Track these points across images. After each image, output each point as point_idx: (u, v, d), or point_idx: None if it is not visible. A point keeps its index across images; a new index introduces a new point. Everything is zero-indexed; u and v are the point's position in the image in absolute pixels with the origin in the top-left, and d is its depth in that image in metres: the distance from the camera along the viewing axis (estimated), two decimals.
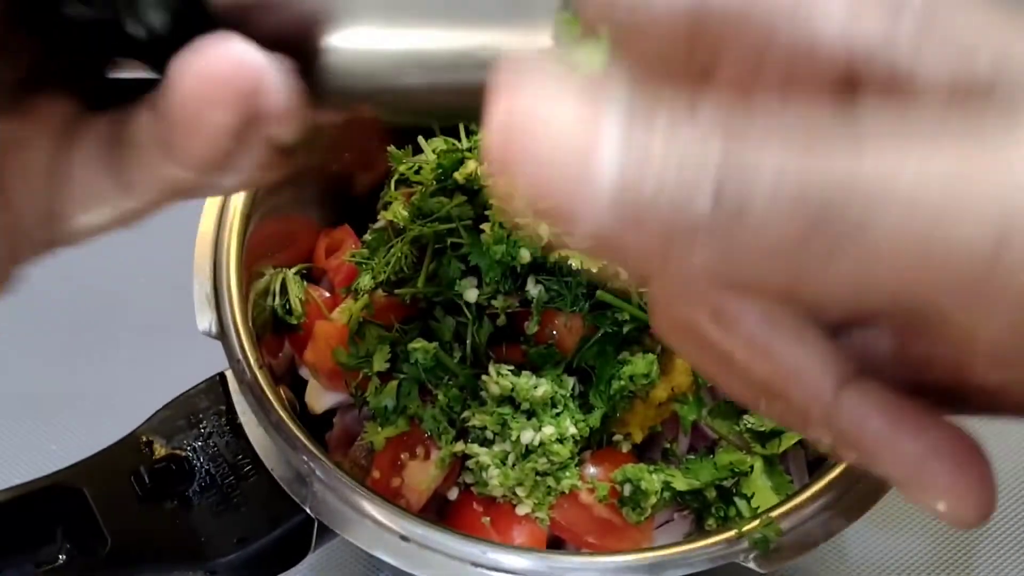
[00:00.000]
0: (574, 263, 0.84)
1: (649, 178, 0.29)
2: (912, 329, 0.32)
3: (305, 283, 0.99)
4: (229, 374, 0.84)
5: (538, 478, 0.83)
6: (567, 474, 0.84)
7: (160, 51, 0.38)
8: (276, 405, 0.80)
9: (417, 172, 0.93)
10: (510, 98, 0.31)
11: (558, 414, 0.84)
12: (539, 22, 0.39)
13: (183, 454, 0.81)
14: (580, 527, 0.85)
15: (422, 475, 0.85)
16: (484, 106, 0.32)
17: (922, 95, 0.30)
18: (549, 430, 0.82)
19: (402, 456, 0.87)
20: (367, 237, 0.96)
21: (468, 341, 0.87)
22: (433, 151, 0.94)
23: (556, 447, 0.83)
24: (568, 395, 0.85)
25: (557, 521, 0.84)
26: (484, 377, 0.85)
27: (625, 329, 0.85)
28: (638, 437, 0.89)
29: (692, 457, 0.89)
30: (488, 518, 0.84)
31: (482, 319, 0.87)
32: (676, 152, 0.29)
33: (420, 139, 0.96)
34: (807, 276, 0.30)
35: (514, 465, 0.83)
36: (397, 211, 0.94)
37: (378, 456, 0.86)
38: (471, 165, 0.89)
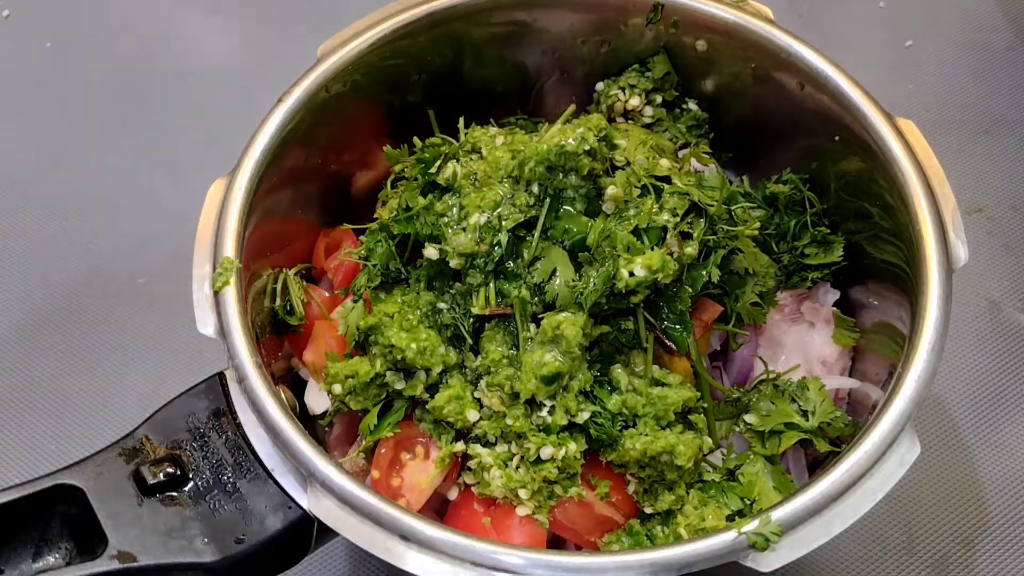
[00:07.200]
0: None
1: None
2: None
3: (305, 283, 0.99)
4: (229, 374, 0.84)
5: (544, 484, 0.83)
6: (576, 482, 0.84)
7: None
8: (275, 405, 0.80)
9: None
10: None
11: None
12: None
13: (183, 454, 0.81)
14: (581, 525, 0.85)
15: (422, 475, 0.85)
16: None
17: None
18: (572, 447, 0.83)
19: (402, 456, 0.87)
20: (362, 237, 0.96)
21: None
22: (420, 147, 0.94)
23: (574, 461, 0.83)
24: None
25: (558, 520, 0.84)
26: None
27: None
28: None
29: None
30: (488, 518, 0.84)
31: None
32: None
33: (415, 139, 0.96)
34: None
35: (518, 468, 0.83)
36: (391, 208, 0.94)
37: (378, 456, 0.86)
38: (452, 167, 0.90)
